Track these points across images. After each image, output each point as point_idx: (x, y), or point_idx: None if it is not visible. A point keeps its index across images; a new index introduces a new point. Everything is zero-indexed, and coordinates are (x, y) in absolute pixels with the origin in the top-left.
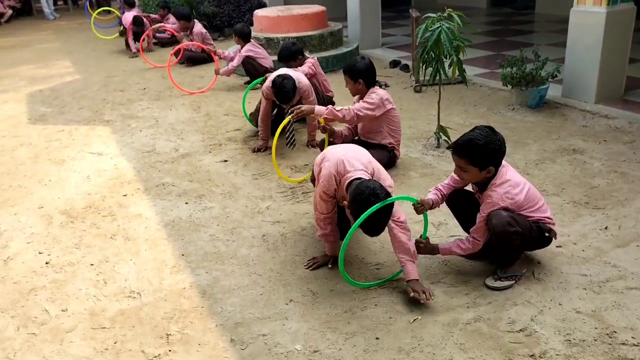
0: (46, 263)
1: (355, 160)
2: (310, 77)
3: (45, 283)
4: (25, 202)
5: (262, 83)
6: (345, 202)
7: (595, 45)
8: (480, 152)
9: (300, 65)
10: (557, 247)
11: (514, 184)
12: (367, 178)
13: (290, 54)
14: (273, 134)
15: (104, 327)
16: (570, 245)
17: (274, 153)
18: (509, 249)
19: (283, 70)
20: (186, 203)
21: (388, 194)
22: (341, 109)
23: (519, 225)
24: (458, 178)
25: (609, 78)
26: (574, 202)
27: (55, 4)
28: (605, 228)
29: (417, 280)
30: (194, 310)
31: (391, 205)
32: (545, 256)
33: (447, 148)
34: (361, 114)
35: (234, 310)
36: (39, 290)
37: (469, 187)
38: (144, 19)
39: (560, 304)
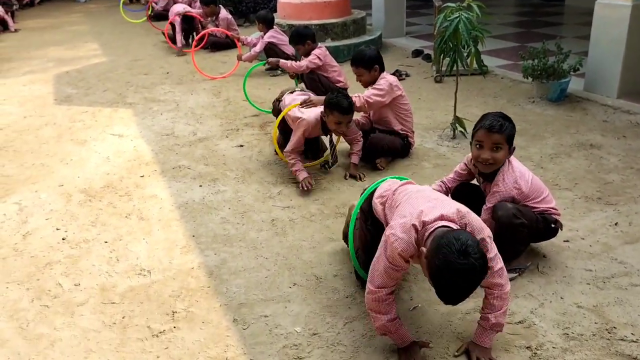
0: (62, 239)
1: (440, 208)
2: (313, 70)
3: (60, 258)
4: (47, 180)
5: (264, 66)
6: (422, 249)
7: (619, 39)
8: (510, 129)
9: (309, 50)
10: (564, 241)
11: (520, 174)
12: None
13: (299, 37)
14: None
15: (113, 302)
16: (578, 240)
17: (274, 136)
18: (515, 242)
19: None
20: (200, 186)
21: (483, 256)
22: (351, 97)
23: (524, 217)
24: (463, 172)
25: (633, 73)
26: (585, 197)
27: None
28: (616, 224)
29: (487, 348)
30: (200, 290)
31: (482, 271)
32: (552, 250)
33: (482, 127)
34: (371, 100)
35: (239, 291)
36: (55, 264)
37: (473, 181)
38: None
39: (561, 298)
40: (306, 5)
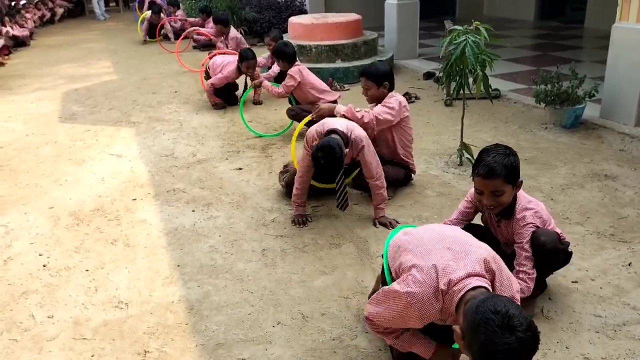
0: (43, 266)
1: (462, 258)
2: (290, 91)
3: (38, 287)
4: (38, 201)
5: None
6: (456, 328)
7: (637, 64)
8: (510, 167)
9: (286, 68)
10: (572, 282)
11: (535, 202)
12: (488, 289)
13: (279, 53)
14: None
15: (84, 338)
16: (588, 281)
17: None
18: (551, 270)
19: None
20: (193, 211)
21: (530, 325)
22: (360, 110)
23: (563, 242)
24: (468, 210)
25: None
26: (597, 233)
27: (107, 5)
28: (629, 264)
29: None
30: (178, 327)
31: (533, 344)
32: (559, 292)
33: (477, 174)
34: (381, 117)
35: (218, 329)
36: (31, 294)
37: (476, 220)
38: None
39: (567, 348)
40: (317, 26)
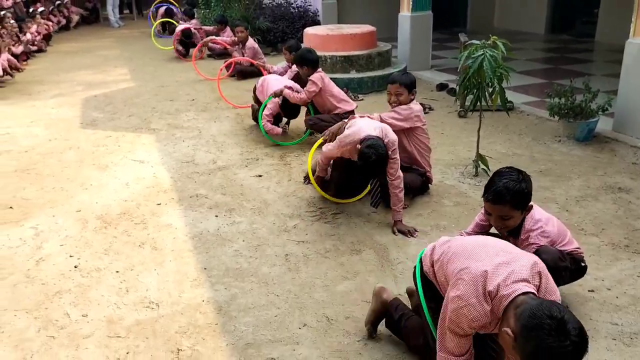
0: (75, 267)
1: (511, 263)
2: (311, 97)
3: (71, 287)
4: (65, 205)
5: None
6: (507, 330)
7: None
8: (519, 194)
9: (307, 75)
10: (589, 291)
11: (545, 221)
12: (536, 294)
13: (302, 60)
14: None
15: (119, 336)
16: (604, 291)
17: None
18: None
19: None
20: (216, 216)
21: (582, 330)
22: (368, 114)
23: (566, 260)
24: (484, 223)
25: None
26: (612, 244)
27: (121, 12)
28: None
29: None
30: (208, 327)
31: (584, 348)
32: (575, 300)
33: (486, 199)
34: (387, 121)
35: (247, 330)
36: (64, 293)
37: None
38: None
39: None
40: (332, 37)
